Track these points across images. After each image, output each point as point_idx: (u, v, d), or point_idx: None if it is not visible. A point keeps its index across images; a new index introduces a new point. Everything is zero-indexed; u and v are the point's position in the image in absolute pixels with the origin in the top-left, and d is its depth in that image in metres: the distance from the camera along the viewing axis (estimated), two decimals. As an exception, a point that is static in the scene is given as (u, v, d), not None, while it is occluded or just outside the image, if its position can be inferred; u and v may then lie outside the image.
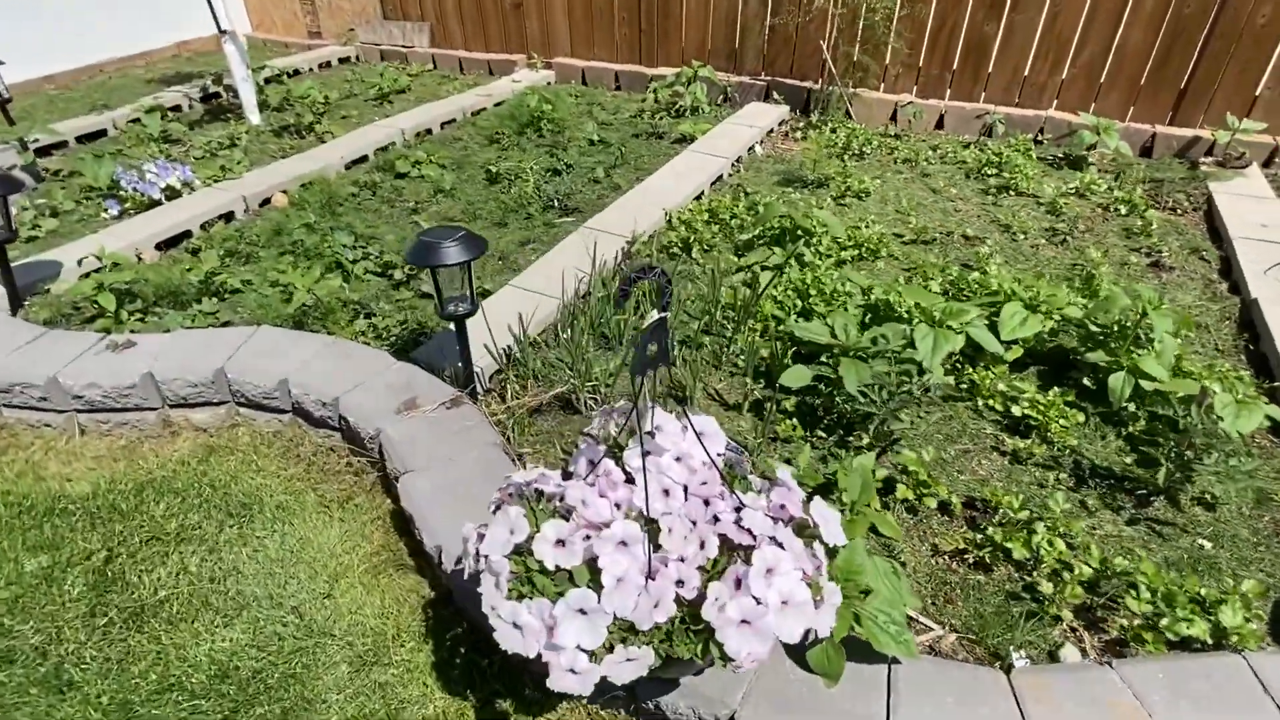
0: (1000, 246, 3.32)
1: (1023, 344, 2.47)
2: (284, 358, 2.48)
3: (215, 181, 3.88)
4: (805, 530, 1.38)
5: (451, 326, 2.38)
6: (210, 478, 2.31)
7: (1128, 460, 2.16)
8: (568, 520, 1.34)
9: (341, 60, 6.53)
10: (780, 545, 1.27)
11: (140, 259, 3.29)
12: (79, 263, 3.11)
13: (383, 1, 6.50)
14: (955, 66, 4.77)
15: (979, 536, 1.89)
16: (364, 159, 4.40)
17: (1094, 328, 2.39)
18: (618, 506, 1.38)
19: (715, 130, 4.56)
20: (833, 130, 4.61)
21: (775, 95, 5.14)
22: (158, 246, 3.38)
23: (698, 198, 3.84)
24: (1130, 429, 2.26)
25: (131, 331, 2.72)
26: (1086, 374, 2.40)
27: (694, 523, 1.37)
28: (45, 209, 3.65)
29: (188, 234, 3.50)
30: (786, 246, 3.04)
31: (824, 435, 2.26)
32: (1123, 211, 3.62)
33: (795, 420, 2.29)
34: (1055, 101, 4.64)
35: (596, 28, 5.77)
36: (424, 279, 3.10)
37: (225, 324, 2.80)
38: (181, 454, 2.40)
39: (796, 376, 2.25)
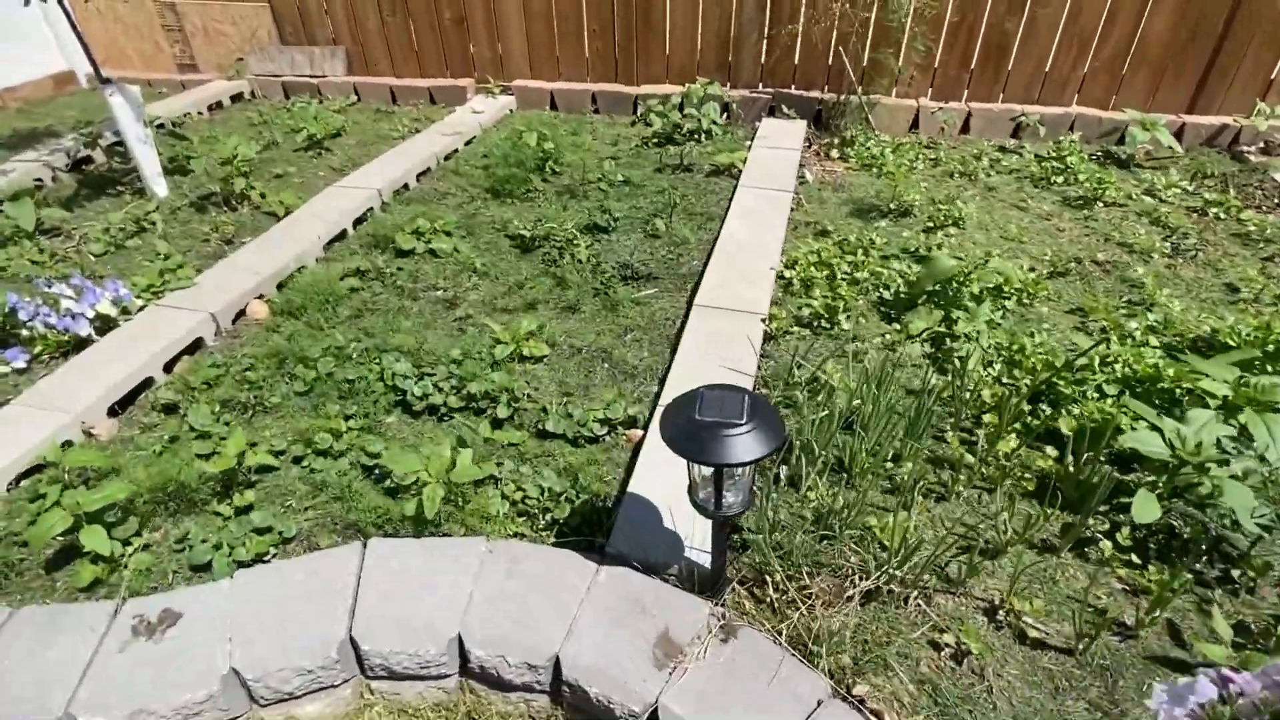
0: (1139, 272, 3.01)
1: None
2: (430, 594, 1.66)
3: (158, 295, 2.81)
4: None
5: (695, 516, 1.67)
6: (372, 819, 1.48)
7: None
8: None
9: (234, 98, 5.30)
10: None
11: (91, 436, 2.26)
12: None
13: (279, 24, 5.34)
14: (974, 65, 4.49)
15: None
16: (342, 235, 3.43)
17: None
18: None
19: (751, 157, 3.99)
20: (870, 147, 4.18)
21: (784, 109, 4.64)
22: (111, 411, 2.35)
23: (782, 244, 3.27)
24: None
25: (138, 574, 1.77)
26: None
27: None
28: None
29: (149, 382, 2.48)
30: (974, 307, 2.54)
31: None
32: (1221, 216, 3.44)
33: (1134, 557, 1.80)
34: (1077, 96, 4.47)
35: (562, 43, 4.99)
36: (529, 405, 2.32)
37: (285, 541, 1.90)
38: (302, 781, 1.54)
39: (1147, 509, 1.75)
